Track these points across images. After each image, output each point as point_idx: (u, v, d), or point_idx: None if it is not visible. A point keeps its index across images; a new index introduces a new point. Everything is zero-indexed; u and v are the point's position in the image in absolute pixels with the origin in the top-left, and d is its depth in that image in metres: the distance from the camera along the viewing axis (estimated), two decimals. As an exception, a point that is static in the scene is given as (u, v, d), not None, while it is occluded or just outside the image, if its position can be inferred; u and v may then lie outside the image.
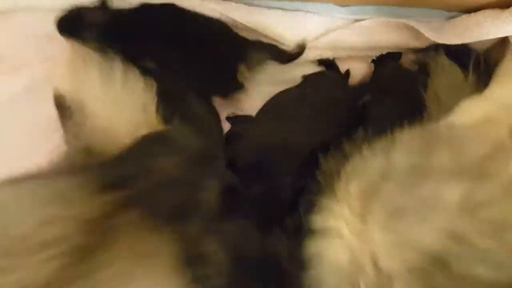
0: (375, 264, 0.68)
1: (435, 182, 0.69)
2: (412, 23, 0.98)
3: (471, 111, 0.82)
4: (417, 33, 0.99)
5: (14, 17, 1.04)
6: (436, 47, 0.97)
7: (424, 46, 1.02)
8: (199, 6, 0.96)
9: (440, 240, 0.66)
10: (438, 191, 0.68)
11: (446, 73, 0.91)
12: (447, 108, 0.82)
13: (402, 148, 0.75)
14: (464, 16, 0.95)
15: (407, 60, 1.04)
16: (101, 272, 0.60)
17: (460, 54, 0.93)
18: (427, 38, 0.96)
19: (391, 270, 0.67)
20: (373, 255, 0.68)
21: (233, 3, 1.00)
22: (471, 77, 0.89)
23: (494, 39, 0.91)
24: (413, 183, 0.70)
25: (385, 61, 1.03)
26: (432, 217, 0.67)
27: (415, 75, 0.97)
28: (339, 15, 1.03)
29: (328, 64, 1.03)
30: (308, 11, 1.02)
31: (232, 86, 0.94)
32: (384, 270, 0.67)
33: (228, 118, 1.00)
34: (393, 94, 0.93)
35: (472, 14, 0.93)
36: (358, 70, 1.06)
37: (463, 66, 0.91)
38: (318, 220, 0.73)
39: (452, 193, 0.67)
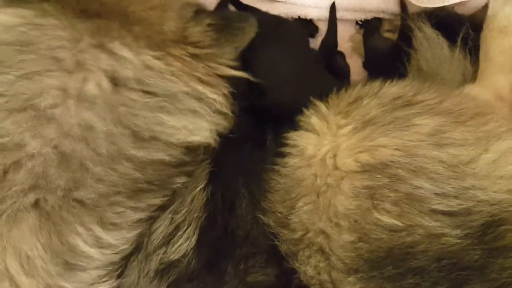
0: (334, 161, 0.75)
1: (413, 111, 0.76)
2: None
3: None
4: None
5: None
6: (419, 14, 0.98)
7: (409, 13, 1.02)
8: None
9: (396, 155, 0.72)
10: (412, 118, 0.75)
11: (431, 47, 0.94)
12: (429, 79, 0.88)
13: (397, 82, 0.82)
14: None
15: (390, 26, 1.07)
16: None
17: (449, 25, 0.95)
18: (410, 3, 0.99)
19: (344, 168, 0.74)
20: (335, 153, 0.75)
21: None
22: (458, 52, 0.92)
23: (478, 4, 0.94)
24: (394, 107, 0.77)
25: (370, 28, 1.06)
26: (396, 135, 0.73)
27: (399, 46, 0.98)
28: None
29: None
30: None
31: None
32: (339, 167, 0.74)
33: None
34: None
35: None
36: (345, 32, 1.11)
37: (451, 38, 0.93)
38: (305, 115, 0.81)
39: (426, 123, 0.74)
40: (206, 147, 0.76)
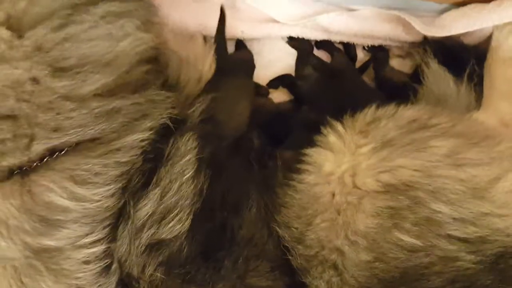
0: (353, 180, 0.76)
1: (429, 134, 0.78)
2: (405, 15, 1.02)
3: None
4: (409, 26, 1.03)
5: None
6: (425, 44, 1.01)
7: (414, 40, 1.05)
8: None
9: (416, 176, 0.74)
10: (429, 140, 0.77)
11: (438, 82, 0.97)
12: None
13: (412, 106, 0.84)
14: (453, 9, 1.01)
15: (400, 51, 1.10)
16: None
17: (455, 54, 0.98)
18: (418, 32, 1.01)
19: (365, 187, 0.75)
20: (354, 172, 0.76)
21: None
22: (463, 88, 0.95)
23: (483, 35, 0.98)
24: (410, 129, 0.79)
25: (380, 60, 1.09)
26: (415, 156, 0.75)
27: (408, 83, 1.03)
28: (335, 2, 1.09)
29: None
30: None
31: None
32: (359, 186, 0.75)
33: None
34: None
35: (461, 7, 1.00)
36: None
37: (457, 67, 0.96)
38: (323, 133, 0.82)
39: (442, 145, 0.76)
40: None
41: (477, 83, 0.94)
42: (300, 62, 1.12)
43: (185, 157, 0.77)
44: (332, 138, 0.81)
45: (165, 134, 0.77)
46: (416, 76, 1.00)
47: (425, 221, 0.71)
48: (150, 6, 0.79)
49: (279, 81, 1.10)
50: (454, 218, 0.71)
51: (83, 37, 0.69)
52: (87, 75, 0.68)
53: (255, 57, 1.12)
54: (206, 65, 0.95)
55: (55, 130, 0.66)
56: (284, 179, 0.82)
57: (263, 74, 1.10)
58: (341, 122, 0.83)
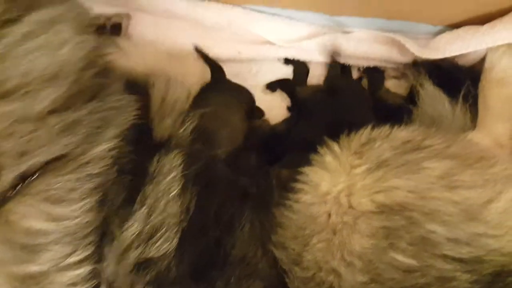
0: (349, 200, 0.77)
1: (423, 155, 0.79)
2: (399, 38, 1.03)
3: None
4: (403, 48, 1.04)
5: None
6: (419, 66, 1.03)
7: (409, 62, 1.07)
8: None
9: (410, 197, 0.75)
10: (422, 162, 0.78)
11: (433, 104, 0.98)
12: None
13: (406, 127, 0.85)
14: (447, 32, 1.03)
15: (395, 73, 1.11)
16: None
17: (450, 75, 1.00)
18: (413, 54, 1.03)
19: (360, 208, 0.75)
20: (350, 192, 0.77)
21: (236, 7, 1.11)
22: (459, 109, 0.96)
23: (478, 56, 0.99)
24: (404, 150, 0.80)
25: (374, 81, 1.11)
26: (409, 177, 0.76)
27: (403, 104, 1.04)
28: (330, 25, 1.11)
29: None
30: (299, 19, 1.12)
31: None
32: (355, 206, 0.76)
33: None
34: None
35: (455, 30, 1.02)
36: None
37: (452, 88, 0.97)
38: (320, 153, 0.83)
39: (436, 166, 0.77)
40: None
41: (472, 104, 0.95)
42: (296, 82, 1.13)
43: (170, 174, 0.76)
44: (328, 158, 0.81)
45: (149, 152, 0.76)
46: (412, 97, 1.01)
47: (420, 240, 0.72)
48: (79, 7, 0.76)
49: (278, 84, 1.12)
50: (448, 239, 0.71)
51: (19, 52, 0.65)
52: (35, 93, 0.65)
53: (252, 78, 1.13)
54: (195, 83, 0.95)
55: (22, 154, 0.64)
56: (280, 199, 0.82)
57: (259, 95, 1.12)
58: (337, 142, 0.83)
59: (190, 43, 1.09)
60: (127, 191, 0.72)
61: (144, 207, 0.73)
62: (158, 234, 0.72)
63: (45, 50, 0.67)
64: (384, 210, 0.74)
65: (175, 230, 0.73)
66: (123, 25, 1.05)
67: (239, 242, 0.78)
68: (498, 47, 0.96)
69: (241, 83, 1.10)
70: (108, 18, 1.04)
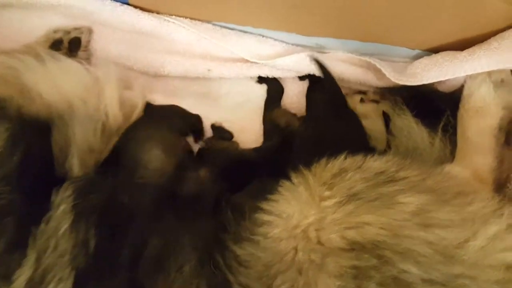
0: (318, 235, 0.71)
1: (397, 188, 0.74)
2: (376, 62, 0.99)
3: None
4: (380, 72, 0.99)
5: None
6: (396, 93, 0.98)
7: (386, 86, 1.02)
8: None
9: (382, 234, 0.70)
10: (396, 196, 0.73)
11: (410, 135, 0.93)
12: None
13: (379, 157, 0.81)
14: (425, 57, 0.99)
15: (375, 96, 1.05)
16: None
17: (430, 108, 0.94)
18: (389, 78, 0.97)
19: (329, 244, 0.70)
20: (320, 226, 0.72)
21: (205, 23, 1.07)
22: (438, 140, 0.91)
23: (457, 83, 0.95)
24: (377, 182, 0.75)
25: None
26: (382, 213, 0.71)
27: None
28: (305, 45, 1.07)
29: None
30: (273, 38, 1.08)
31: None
32: (323, 242, 0.71)
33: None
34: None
35: (433, 55, 0.97)
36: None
37: (431, 115, 0.92)
38: (292, 181, 0.78)
39: (410, 201, 0.72)
40: None
41: (452, 134, 0.91)
42: (270, 102, 1.08)
43: (59, 208, 0.72)
44: (300, 187, 0.76)
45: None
46: (387, 124, 0.96)
47: (392, 281, 0.66)
48: None
49: (265, 82, 1.08)
50: (423, 279, 0.66)
51: None
52: None
53: (224, 98, 1.08)
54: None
55: None
56: (245, 234, 0.76)
57: (230, 115, 1.06)
58: (310, 171, 0.78)
59: (158, 59, 1.03)
60: (11, 234, 0.68)
61: (33, 251, 0.68)
62: (50, 276, 0.67)
63: None
64: (354, 247, 0.69)
65: (69, 269, 0.68)
66: (83, 40, 0.98)
67: (175, 285, 0.70)
68: (477, 74, 0.91)
69: (210, 103, 1.05)
70: (67, 32, 0.97)
